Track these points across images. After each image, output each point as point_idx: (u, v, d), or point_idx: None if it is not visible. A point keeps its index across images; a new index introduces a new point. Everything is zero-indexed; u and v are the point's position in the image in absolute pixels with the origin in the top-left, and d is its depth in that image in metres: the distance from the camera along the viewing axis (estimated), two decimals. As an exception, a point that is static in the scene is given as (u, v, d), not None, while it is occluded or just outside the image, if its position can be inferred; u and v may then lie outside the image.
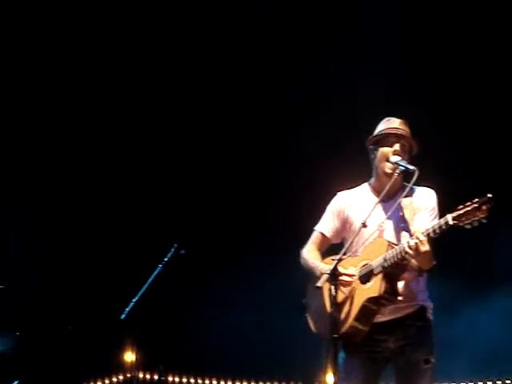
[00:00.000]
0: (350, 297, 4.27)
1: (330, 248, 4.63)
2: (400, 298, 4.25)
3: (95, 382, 8.08)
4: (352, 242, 4.23)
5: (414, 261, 4.16)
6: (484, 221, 3.91)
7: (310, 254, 4.58)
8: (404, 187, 4.34)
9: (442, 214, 4.13)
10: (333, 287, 4.02)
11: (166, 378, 8.05)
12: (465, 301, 7.11)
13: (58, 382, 7.40)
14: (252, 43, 7.82)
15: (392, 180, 4.32)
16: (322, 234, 4.61)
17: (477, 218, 3.91)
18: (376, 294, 4.20)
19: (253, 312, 7.55)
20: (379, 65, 7.39)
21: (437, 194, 4.43)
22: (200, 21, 7.91)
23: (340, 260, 4.08)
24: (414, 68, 7.43)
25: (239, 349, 7.43)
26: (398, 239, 4.31)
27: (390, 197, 4.37)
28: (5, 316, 6.44)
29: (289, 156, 7.77)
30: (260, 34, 7.73)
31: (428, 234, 4.04)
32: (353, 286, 4.27)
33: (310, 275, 4.48)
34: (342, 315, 4.25)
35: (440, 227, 4.01)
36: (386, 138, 4.43)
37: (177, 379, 8.19)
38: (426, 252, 4.05)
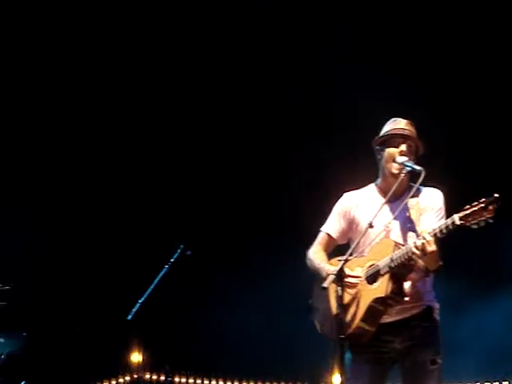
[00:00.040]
0: (357, 297, 4.27)
1: (337, 249, 4.62)
2: (407, 298, 4.24)
3: (102, 382, 8.07)
4: (358, 243, 4.23)
5: (420, 261, 4.15)
6: (491, 221, 3.90)
7: (316, 254, 4.58)
8: (410, 188, 4.33)
9: (448, 214, 4.12)
10: (339, 288, 4.02)
11: (173, 379, 8.04)
12: (471, 301, 7.10)
13: (65, 382, 7.41)
14: (252, 43, 7.83)
15: (399, 180, 4.32)
16: (329, 234, 4.61)
17: (483, 218, 3.90)
18: (383, 295, 4.19)
19: (259, 313, 7.56)
20: (380, 65, 7.38)
21: (443, 194, 4.43)
22: (201, 21, 7.92)
23: (346, 261, 4.08)
24: (420, 68, 7.42)
25: (245, 349, 7.44)
26: (405, 239, 4.31)
27: (396, 197, 4.36)
28: (13, 317, 6.44)
29: (295, 157, 7.77)
30: (261, 34, 7.74)
31: (435, 235, 4.04)
32: (359, 287, 4.27)
33: (316, 276, 4.47)
34: (349, 316, 4.24)
35: (447, 227, 4.00)
36: (393, 139, 4.43)
37: (183, 380, 8.19)
38: (432, 252, 4.04)
